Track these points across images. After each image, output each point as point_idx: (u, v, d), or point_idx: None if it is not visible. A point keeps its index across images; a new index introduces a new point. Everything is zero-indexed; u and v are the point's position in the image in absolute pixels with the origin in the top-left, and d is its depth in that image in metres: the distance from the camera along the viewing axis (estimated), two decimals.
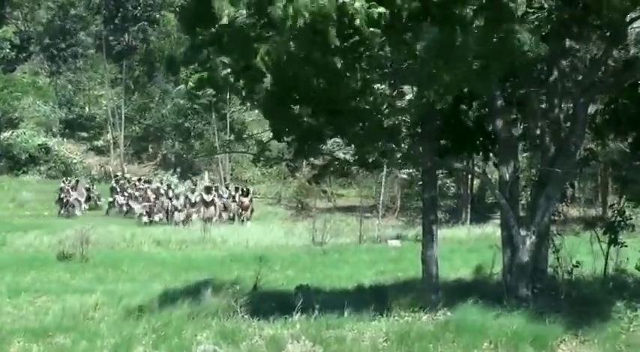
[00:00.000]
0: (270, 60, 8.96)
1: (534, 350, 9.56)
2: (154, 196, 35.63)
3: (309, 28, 8.49)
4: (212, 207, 34.58)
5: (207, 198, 34.56)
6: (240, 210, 35.96)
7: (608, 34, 11.10)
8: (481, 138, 12.74)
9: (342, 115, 10.70)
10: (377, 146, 11.67)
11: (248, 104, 12.04)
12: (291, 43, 8.89)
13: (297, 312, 10.45)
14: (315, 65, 9.17)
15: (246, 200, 36.30)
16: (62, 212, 36.04)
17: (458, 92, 10.92)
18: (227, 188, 38.41)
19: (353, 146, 12.10)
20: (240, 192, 36.90)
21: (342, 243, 27.23)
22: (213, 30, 9.61)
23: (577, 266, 12.47)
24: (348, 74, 9.50)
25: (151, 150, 51.63)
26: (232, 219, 35.49)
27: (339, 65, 9.01)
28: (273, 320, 10.35)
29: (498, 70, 10.17)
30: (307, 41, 8.82)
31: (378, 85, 10.25)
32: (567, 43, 11.40)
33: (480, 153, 13.33)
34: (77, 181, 38.94)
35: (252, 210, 36.45)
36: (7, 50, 52.95)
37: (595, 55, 11.38)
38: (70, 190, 37.04)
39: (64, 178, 39.76)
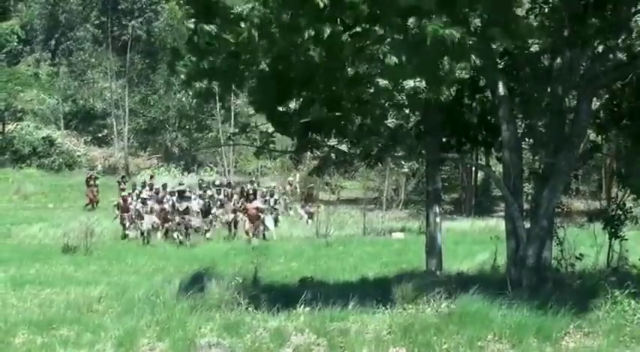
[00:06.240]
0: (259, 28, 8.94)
1: (538, 342, 9.55)
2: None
3: None
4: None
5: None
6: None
7: (610, 29, 11.08)
8: (484, 131, 12.71)
9: (342, 108, 10.66)
10: (379, 140, 11.64)
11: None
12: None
13: (301, 304, 10.46)
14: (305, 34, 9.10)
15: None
16: None
17: (459, 83, 10.92)
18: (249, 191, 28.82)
19: (354, 141, 12.04)
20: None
21: (345, 235, 27.27)
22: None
23: (580, 259, 12.51)
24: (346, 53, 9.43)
25: (154, 142, 51.47)
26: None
27: (327, 32, 8.94)
28: (277, 312, 10.37)
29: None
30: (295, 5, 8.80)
31: (380, 79, 10.21)
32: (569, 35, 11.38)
33: (483, 147, 13.31)
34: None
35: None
36: (15, 43, 52.87)
37: (596, 49, 11.34)
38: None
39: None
